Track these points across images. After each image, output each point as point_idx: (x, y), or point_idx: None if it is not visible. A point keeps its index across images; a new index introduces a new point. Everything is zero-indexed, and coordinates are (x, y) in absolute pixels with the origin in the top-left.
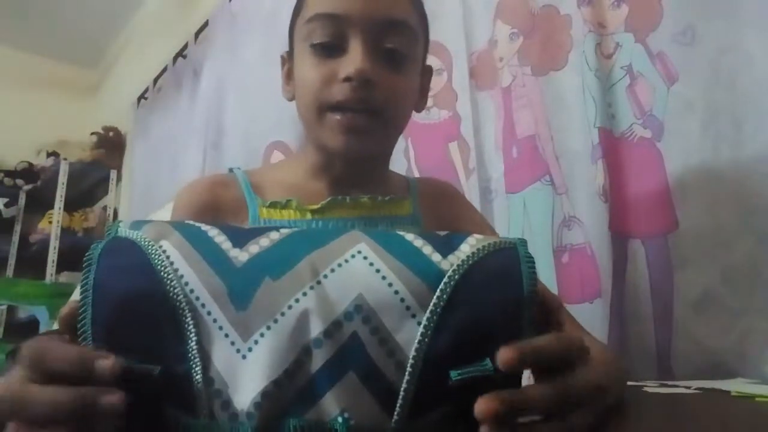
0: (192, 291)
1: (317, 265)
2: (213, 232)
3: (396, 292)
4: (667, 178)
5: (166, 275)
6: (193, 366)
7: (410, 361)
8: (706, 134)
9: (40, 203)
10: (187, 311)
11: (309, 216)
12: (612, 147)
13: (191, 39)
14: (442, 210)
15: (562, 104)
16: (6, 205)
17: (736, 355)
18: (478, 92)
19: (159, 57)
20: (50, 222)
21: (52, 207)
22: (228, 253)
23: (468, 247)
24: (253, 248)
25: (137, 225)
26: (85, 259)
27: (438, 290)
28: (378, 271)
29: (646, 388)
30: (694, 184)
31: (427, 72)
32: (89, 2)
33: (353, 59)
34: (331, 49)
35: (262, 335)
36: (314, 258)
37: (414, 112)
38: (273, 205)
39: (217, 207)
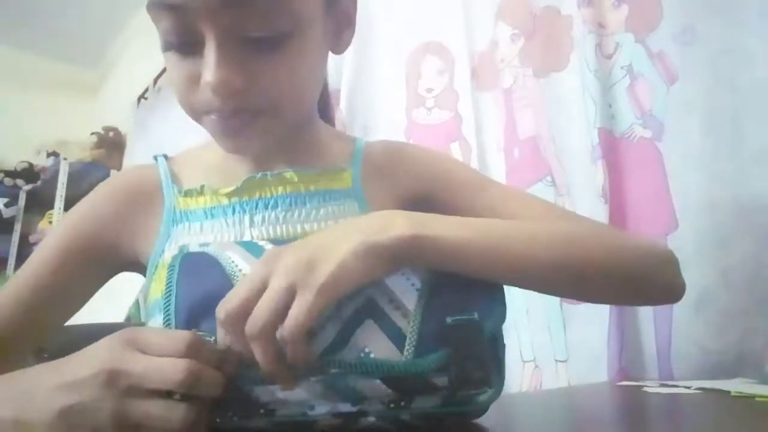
0: None
1: None
2: (261, 242)
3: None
4: (667, 178)
5: (231, 273)
6: None
7: (413, 312)
8: (705, 134)
9: (40, 203)
10: None
11: (225, 200)
12: (612, 147)
13: None
14: (399, 175)
15: (563, 105)
16: (6, 205)
17: (736, 355)
18: (480, 93)
19: (159, 57)
20: (50, 222)
21: (52, 207)
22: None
23: None
24: None
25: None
26: (168, 266)
27: None
28: None
29: (646, 388)
30: (694, 184)
31: None
32: (90, 3)
33: (209, 66)
34: (186, 45)
35: None
36: None
37: (418, 116)
38: (188, 193)
39: (131, 202)
